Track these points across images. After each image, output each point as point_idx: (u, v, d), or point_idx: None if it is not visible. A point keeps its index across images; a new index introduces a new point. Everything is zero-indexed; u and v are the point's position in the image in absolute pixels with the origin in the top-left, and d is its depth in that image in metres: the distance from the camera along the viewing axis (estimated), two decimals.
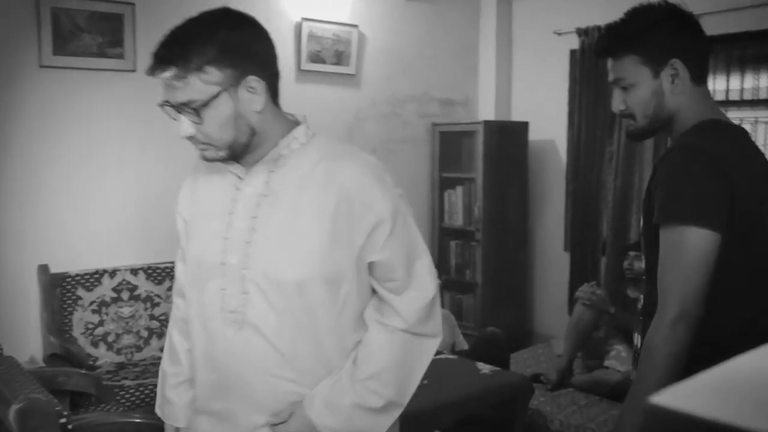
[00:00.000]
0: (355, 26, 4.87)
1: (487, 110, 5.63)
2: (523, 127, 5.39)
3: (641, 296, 1.82)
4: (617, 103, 1.73)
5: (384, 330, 1.53)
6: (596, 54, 1.81)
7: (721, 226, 1.52)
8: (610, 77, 1.73)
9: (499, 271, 5.28)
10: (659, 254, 1.57)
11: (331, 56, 4.80)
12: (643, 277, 1.78)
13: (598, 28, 4.92)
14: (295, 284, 1.47)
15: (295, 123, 1.62)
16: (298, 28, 4.64)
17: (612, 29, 1.73)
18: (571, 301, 5.01)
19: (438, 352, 3.81)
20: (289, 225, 1.49)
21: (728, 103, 4.68)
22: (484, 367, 3.47)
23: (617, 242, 4.96)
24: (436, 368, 3.40)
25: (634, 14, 1.69)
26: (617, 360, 4.12)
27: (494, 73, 5.61)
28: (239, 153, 1.52)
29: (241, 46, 1.48)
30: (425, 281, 1.56)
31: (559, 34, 5.24)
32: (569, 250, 5.31)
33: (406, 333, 1.53)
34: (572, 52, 5.18)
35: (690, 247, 1.52)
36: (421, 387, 3.09)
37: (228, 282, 1.51)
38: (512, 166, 5.32)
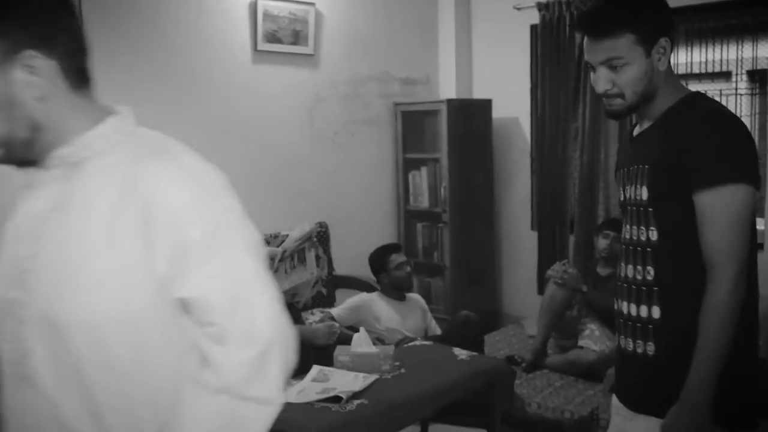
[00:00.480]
0: (312, 4, 4.70)
1: (448, 88, 5.52)
2: (486, 104, 5.30)
3: (627, 269, 1.80)
4: (604, 83, 1.72)
5: (199, 391, 1.16)
6: (589, 32, 1.72)
7: (759, 182, 1.64)
8: (601, 57, 1.70)
9: (467, 253, 5.20)
10: (703, 216, 1.63)
11: (288, 36, 4.62)
12: (640, 249, 1.76)
13: (559, 2, 4.84)
14: (83, 327, 1.12)
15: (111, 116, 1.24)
16: (253, 7, 4.44)
17: (608, 7, 1.72)
18: (541, 281, 4.96)
19: (411, 339, 3.73)
20: (77, 250, 1.13)
21: (690, 77, 4.64)
22: (461, 353, 3.37)
23: (585, 219, 4.90)
24: (411, 356, 3.34)
25: None
26: (591, 339, 4.07)
27: (454, 50, 5.49)
28: (18, 153, 1.17)
29: (14, 7, 1.11)
30: (256, 327, 1.16)
31: (519, 8, 5.13)
32: (537, 228, 5.24)
33: (226, 395, 1.15)
34: (533, 27, 5.09)
35: (744, 205, 1.61)
36: (397, 377, 3.01)
37: (5, 324, 1.17)
38: (476, 145, 5.23)
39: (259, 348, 1.16)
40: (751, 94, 4.77)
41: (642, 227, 1.74)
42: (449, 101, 5.09)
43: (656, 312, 1.73)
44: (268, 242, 3.95)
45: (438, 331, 4.04)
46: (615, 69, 1.69)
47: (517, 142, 5.39)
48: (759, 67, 4.65)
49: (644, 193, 1.73)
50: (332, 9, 4.87)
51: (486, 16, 5.44)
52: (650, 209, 1.72)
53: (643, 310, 1.75)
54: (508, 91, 5.31)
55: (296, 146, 4.77)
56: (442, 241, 5.18)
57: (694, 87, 4.70)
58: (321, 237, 4.35)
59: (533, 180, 5.24)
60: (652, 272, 1.74)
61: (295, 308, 3.73)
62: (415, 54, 5.45)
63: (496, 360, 3.73)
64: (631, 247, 1.79)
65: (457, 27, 5.48)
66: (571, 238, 5.05)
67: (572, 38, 4.80)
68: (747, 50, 4.65)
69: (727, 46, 4.58)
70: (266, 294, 1.20)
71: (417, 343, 3.60)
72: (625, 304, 1.81)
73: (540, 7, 4.97)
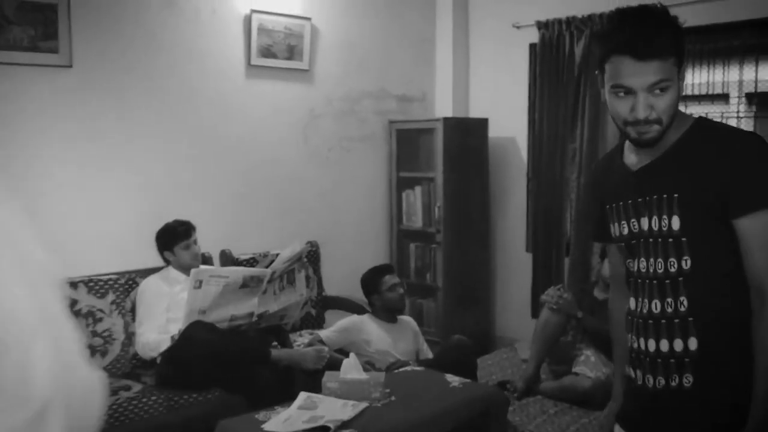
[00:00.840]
0: (308, 19, 4.64)
1: (444, 106, 5.46)
2: (483, 123, 5.24)
3: (652, 304, 1.74)
4: (646, 108, 1.64)
5: None
6: (638, 54, 1.61)
7: None
8: (651, 80, 1.62)
9: (460, 274, 5.12)
10: (750, 240, 1.63)
11: (283, 51, 4.55)
12: (669, 281, 1.72)
13: (559, 21, 4.79)
14: None
15: None
16: (248, 21, 4.38)
17: (658, 28, 1.63)
18: (535, 304, 4.89)
19: (403, 363, 3.64)
20: None
21: (688, 99, 4.59)
22: (454, 380, 3.29)
23: (580, 242, 4.83)
24: (403, 383, 3.25)
25: (664, 14, 1.64)
26: (586, 365, 3.99)
27: (451, 68, 5.44)
28: None
29: None
30: (30, 381, 0.80)
31: (518, 27, 5.08)
32: (532, 250, 5.16)
33: None
34: (532, 46, 5.03)
35: None
36: (388, 405, 2.92)
37: None
38: (472, 165, 5.16)
39: (34, 409, 0.81)
40: (754, 117, 4.72)
41: (672, 258, 1.70)
42: (445, 119, 5.02)
43: (693, 344, 1.69)
44: (257, 261, 3.87)
45: (430, 355, 3.96)
46: (655, 94, 1.63)
47: (513, 162, 5.32)
48: (760, 90, 4.60)
49: (675, 223, 1.69)
50: (328, 24, 4.81)
51: (484, 34, 5.39)
52: (683, 239, 1.69)
53: (678, 344, 1.71)
54: (506, 110, 5.25)
55: (289, 163, 4.69)
56: (435, 262, 5.10)
57: (693, 109, 4.68)
58: (311, 257, 4.27)
59: (529, 201, 5.17)
60: (686, 303, 1.70)
61: (283, 330, 3.65)
62: (412, 71, 5.39)
63: (490, 387, 3.64)
64: (656, 281, 1.73)
65: (455, 44, 5.43)
66: (566, 261, 4.97)
67: (571, 57, 4.74)
68: (746, 72, 4.61)
69: (728, 68, 4.53)
70: (49, 336, 0.83)
71: (408, 368, 3.52)
72: (651, 341, 1.75)
73: (539, 25, 4.92)
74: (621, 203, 1.81)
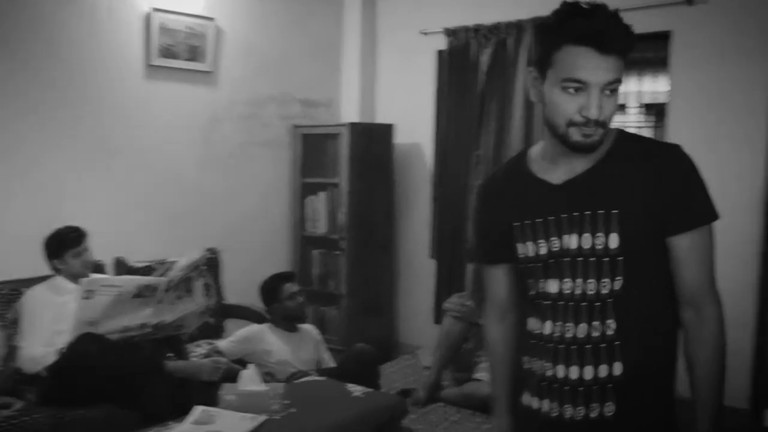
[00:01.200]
0: (211, 19, 4.51)
1: (350, 112, 5.42)
2: (389, 129, 5.23)
3: (578, 329, 1.59)
4: (598, 108, 1.50)
5: None
6: (601, 46, 1.47)
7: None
8: (608, 76, 1.49)
9: (364, 281, 5.09)
10: (688, 256, 1.56)
11: (185, 51, 4.42)
12: (599, 304, 1.58)
13: (466, 29, 4.83)
14: None
15: None
16: (147, 20, 4.22)
17: (619, 22, 1.49)
18: (438, 310, 4.91)
19: (304, 373, 3.58)
20: None
21: None
22: (356, 389, 3.24)
23: None
24: (303, 393, 3.18)
25: (615, 13, 1.49)
26: (487, 372, 4.01)
27: (358, 73, 5.41)
28: None
29: None
30: None
31: (426, 33, 5.10)
32: (436, 257, 5.18)
33: None
34: (439, 53, 5.06)
35: (714, 239, 1.60)
36: (288, 417, 2.85)
37: None
38: (377, 171, 5.15)
39: None
40: (653, 127, 4.89)
41: (606, 279, 1.56)
42: (351, 125, 4.98)
43: (618, 369, 1.58)
44: (153, 269, 3.73)
45: (332, 363, 3.91)
46: (605, 94, 1.50)
47: (418, 169, 5.33)
48: (656, 101, 4.77)
49: (613, 241, 1.55)
50: (233, 25, 4.70)
51: (392, 40, 5.39)
52: (620, 258, 1.55)
53: (602, 370, 1.58)
54: (412, 117, 5.26)
55: (189, 167, 4.56)
56: (338, 269, 5.05)
57: None
58: (211, 264, 4.14)
59: (434, 208, 5.19)
60: (613, 326, 1.58)
61: (179, 341, 3.52)
62: (318, 76, 5.34)
63: (392, 397, 3.61)
64: (584, 303, 1.58)
65: (362, 50, 5.40)
66: (469, 268, 5.01)
67: (478, 65, 4.78)
68: (645, 84, 4.78)
69: (627, 80, 4.69)
70: None
71: (309, 378, 3.45)
72: (574, 368, 1.60)
73: (447, 33, 4.94)
74: (538, 220, 1.63)
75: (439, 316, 4.72)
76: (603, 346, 1.58)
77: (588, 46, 1.47)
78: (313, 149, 5.17)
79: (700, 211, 1.57)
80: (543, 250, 1.63)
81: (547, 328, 1.64)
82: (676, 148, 1.60)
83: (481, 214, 1.84)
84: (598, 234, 1.56)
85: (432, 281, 5.17)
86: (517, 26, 4.61)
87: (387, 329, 5.36)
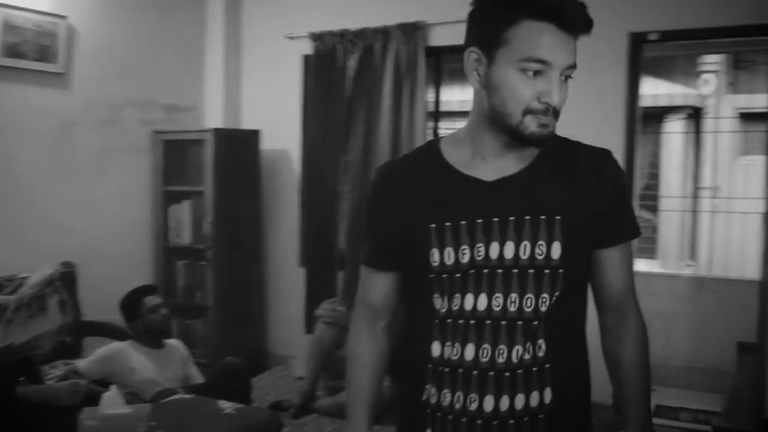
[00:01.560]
0: (62, 17, 4.25)
1: (215, 117, 5.27)
2: (255, 135, 5.12)
3: (512, 352, 1.40)
4: (560, 95, 1.34)
5: None
6: (568, 24, 1.32)
7: None
8: (571, 59, 1.34)
9: (231, 292, 4.97)
10: (616, 265, 1.48)
11: (34, 51, 4.13)
12: (535, 323, 1.40)
13: (331, 33, 4.79)
14: None
15: None
16: None
17: (581, 3, 1.34)
18: (309, 319, 4.85)
19: (171, 392, 3.41)
20: None
21: (455, 114, 4.79)
22: (227, 405, 3.12)
23: (355, 255, 4.85)
24: (171, 413, 3.01)
25: None
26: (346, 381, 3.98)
27: (222, 78, 5.27)
28: None
29: None
30: None
31: (292, 38, 5.02)
32: (305, 264, 5.11)
33: None
34: (306, 58, 5.00)
35: None
36: None
37: None
38: (244, 178, 5.03)
39: None
40: None
41: (545, 294, 1.39)
42: (216, 131, 4.85)
43: (548, 396, 1.41)
44: (2, 287, 3.45)
45: (200, 379, 3.76)
46: (561, 81, 1.34)
47: (286, 175, 5.25)
48: None
49: (555, 251, 1.38)
50: (88, 25, 4.44)
51: (257, 44, 5.28)
52: (560, 270, 1.39)
53: (534, 398, 1.41)
54: (278, 122, 5.18)
55: (42, 175, 4.27)
56: (205, 280, 4.90)
57: (458, 124, 4.89)
58: (66, 279, 3.88)
59: (302, 214, 5.12)
60: (544, 347, 1.40)
61: (32, 364, 3.27)
62: (180, 80, 5.15)
63: (265, 411, 3.53)
64: (520, 322, 1.39)
65: (226, 53, 5.26)
66: (341, 275, 4.98)
67: (345, 70, 4.76)
68: None
69: None
70: None
71: (177, 397, 3.29)
72: (504, 398, 1.40)
73: (313, 37, 4.89)
74: (463, 222, 1.40)
75: (310, 324, 4.66)
76: (535, 370, 1.40)
77: (550, 23, 1.30)
78: (176, 156, 4.99)
79: (632, 224, 1.50)
80: (465, 259, 1.40)
81: (470, 352, 1.40)
82: (609, 155, 1.48)
83: (379, 211, 1.53)
84: (540, 242, 1.38)
85: (302, 289, 5.10)
86: (384, 32, 4.63)
87: (257, 340, 5.25)
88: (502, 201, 1.40)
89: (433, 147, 1.51)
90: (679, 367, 4.45)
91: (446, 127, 4.89)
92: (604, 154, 1.48)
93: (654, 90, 6.71)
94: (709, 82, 7.24)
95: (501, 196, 1.40)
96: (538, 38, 1.30)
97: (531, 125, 1.34)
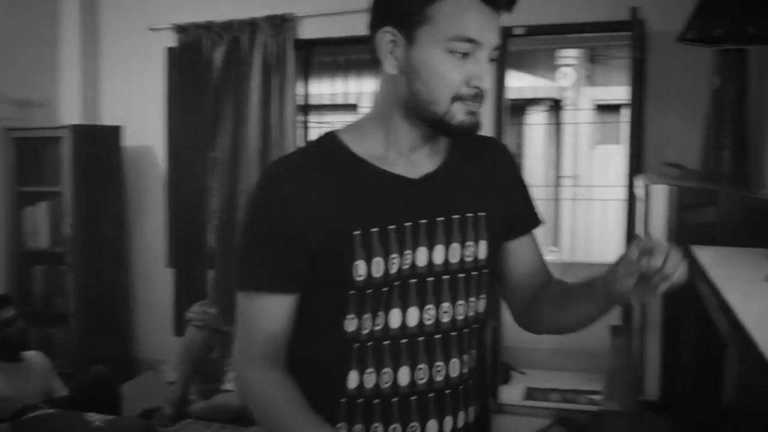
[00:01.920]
0: None
1: (72, 113, 4.98)
2: (116, 131, 4.90)
3: (460, 365, 1.27)
4: (489, 78, 1.21)
5: None
6: (498, 4, 1.19)
7: None
8: (497, 39, 1.20)
9: (95, 296, 4.74)
10: (528, 251, 1.40)
11: None
12: (467, 331, 1.29)
13: (196, 25, 4.65)
14: None
15: None
16: None
17: None
18: (178, 321, 4.72)
19: (32, 406, 3.20)
20: None
21: (322, 108, 4.77)
22: (95, 417, 2.99)
23: (226, 254, 4.74)
24: (32, 431, 2.86)
25: None
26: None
27: (79, 71, 4.99)
28: None
29: None
30: None
31: (155, 29, 4.82)
32: (173, 265, 4.94)
33: None
34: (170, 50, 4.81)
35: None
36: None
37: None
38: (105, 176, 4.82)
39: None
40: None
41: (473, 298, 1.28)
42: (73, 127, 4.61)
43: (471, 414, 1.31)
44: None
45: (64, 391, 3.57)
46: (489, 63, 1.21)
47: (151, 173, 5.04)
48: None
49: (482, 251, 1.28)
50: None
51: (117, 36, 5.03)
52: (485, 270, 1.30)
53: (461, 419, 1.29)
54: (142, 118, 4.96)
55: None
56: (65, 286, 4.65)
57: (327, 118, 4.86)
58: None
59: (169, 213, 4.93)
60: (474, 354, 1.31)
61: None
62: (33, 73, 4.83)
63: (137, 420, 3.40)
64: (454, 333, 1.27)
65: (83, 45, 4.99)
66: (211, 274, 4.85)
67: (210, 64, 4.62)
68: (368, 84, 4.94)
69: (360, 80, 4.80)
70: None
71: (40, 412, 3.11)
72: (448, 420, 1.27)
73: (177, 29, 4.71)
74: (391, 227, 1.22)
75: (180, 327, 4.52)
76: (461, 388, 1.28)
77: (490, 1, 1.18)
78: (29, 154, 4.71)
79: (538, 211, 1.43)
80: (393, 268, 1.22)
81: (404, 376, 1.23)
82: (502, 143, 1.44)
83: (276, 218, 1.25)
84: (468, 243, 1.26)
85: (170, 291, 4.93)
86: (251, 24, 4.52)
87: (124, 346, 5.05)
88: (430, 200, 1.26)
89: (334, 140, 1.30)
90: (549, 350, 4.59)
91: (315, 121, 4.86)
92: (501, 144, 1.44)
93: (518, 83, 6.94)
94: (567, 75, 7.56)
95: (428, 194, 1.26)
96: (465, 14, 1.16)
97: (459, 114, 1.19)
